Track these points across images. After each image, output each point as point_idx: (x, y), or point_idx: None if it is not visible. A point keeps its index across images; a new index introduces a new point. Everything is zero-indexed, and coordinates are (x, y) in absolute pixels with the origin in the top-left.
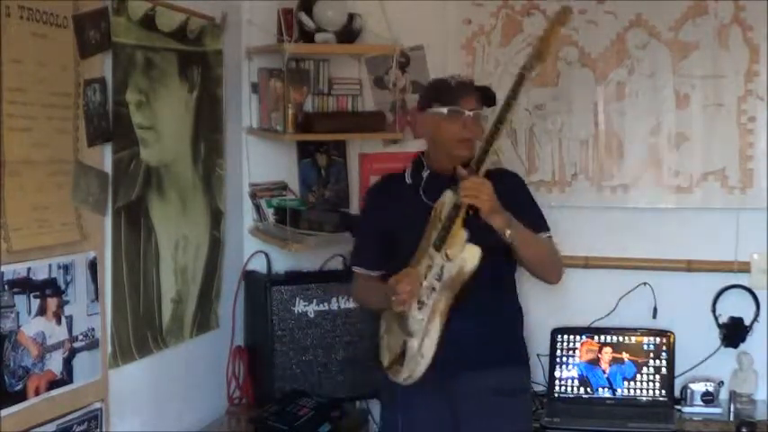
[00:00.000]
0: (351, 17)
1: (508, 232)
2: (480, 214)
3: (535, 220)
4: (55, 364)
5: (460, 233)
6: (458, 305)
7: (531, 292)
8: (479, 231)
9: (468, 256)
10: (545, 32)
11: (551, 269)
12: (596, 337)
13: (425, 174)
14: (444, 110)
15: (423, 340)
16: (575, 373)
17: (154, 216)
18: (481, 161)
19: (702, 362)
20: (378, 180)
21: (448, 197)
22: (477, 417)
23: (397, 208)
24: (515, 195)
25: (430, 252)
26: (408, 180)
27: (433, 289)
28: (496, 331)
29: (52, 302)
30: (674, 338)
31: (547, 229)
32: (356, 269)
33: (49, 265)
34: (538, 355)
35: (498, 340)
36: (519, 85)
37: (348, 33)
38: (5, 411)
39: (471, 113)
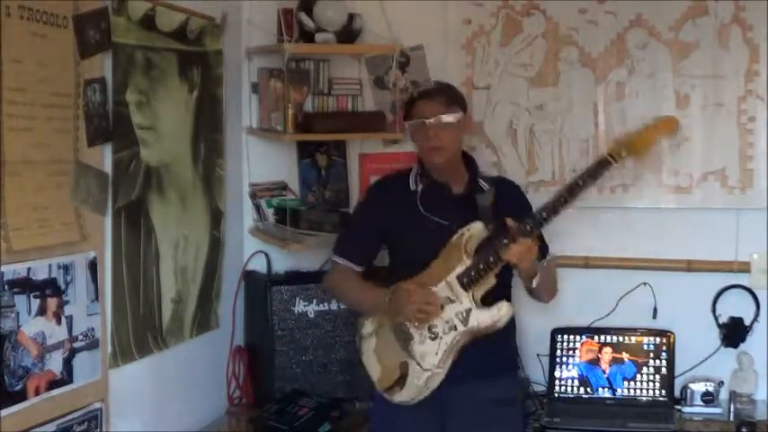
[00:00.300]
0: (351, 17)
1: (535, 282)
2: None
3: (540, 243)
4: (55, 364)
5: (491, 280)
6: None
7: None
8: (502, 272)
9: (504, 316)
10: (647, 132)
11: (551, 296)
12: (596, 337)
13: (419, 187)
14: (407, 124)
15: (433, 375)
16: (575, 373)
17: (154, 216)
18: (538, 227)
19: (702, 362)
20: (383, 177)
21: (476, 229)
22: (466, 427)
23: (398, 211)
24: (519, 205)
25: (452, 283)
26: (412, 186)
27: (454, 328)
28: (493, 342)
29: (52, 302)
30: (674, 338)
31: (547, 248)
32: (339, 260)
33: (49, 265)
34: (538, 355)
35: (494, 351)
36: (601, 168)
37: (348, 33)
38: (5, 411)
39: (432, 120)
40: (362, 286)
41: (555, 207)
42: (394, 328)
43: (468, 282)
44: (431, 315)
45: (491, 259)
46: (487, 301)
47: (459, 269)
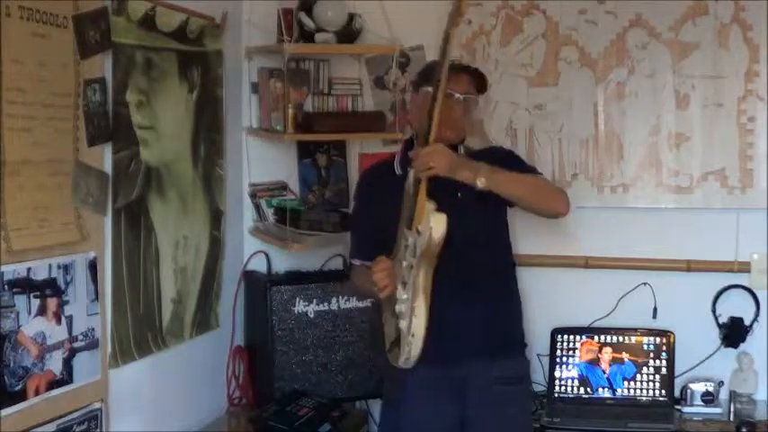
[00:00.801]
0: (351, 17)
1: (480, 181)
2: (442, 177)
3: (524, 170)
4: (55, 364)
5: (427, 206)
6: (459, 291)
7: (531, 292)
8: (449, 197)
9: (435, 224)
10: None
11: (551, 198)
12: (596, 337)
13: (411, 168)
14: (430, 88)
15: (410, 320)
16: (575, 373)
17: (154, 216)
18: (428, 133)
19: (702, 362)
20: (367, 170)
21: (411, 175)
22: (483, 407)
23: (387, 200)
24: (508, 160)
25: (404, 232)
26: (398, 170)
27: (411, 266)
28: (500, 316)
29: (52, 302)
30: (674, 338)
31: (538, 173)
32: (357, 262)
33: (49, 265)
34: (538, 354)
35: (502, 325)
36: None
37: (348, 33)
38: (5, 411)
39: (460, 96)
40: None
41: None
42: (388, 304)
43: (409, 222)
44: (379, 275)
45: (410, 180)
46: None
47: (406, 213)
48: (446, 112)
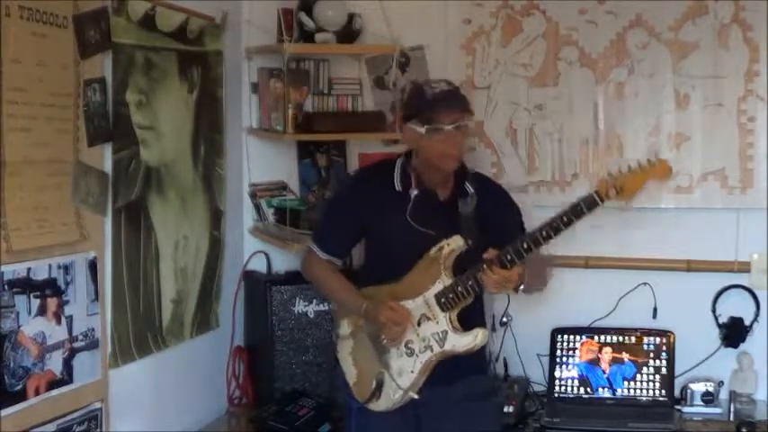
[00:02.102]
0: (351, 17)
1: (521, 288)
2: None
3: (516, 226)
4: (55, 364)
5: (469, 300)
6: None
7: None
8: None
9: (480, 342)
10: (638, 176)
11: (536, 291)
12: (596, 337)
13: (413, 194)
14: (422, 129)
15: (408, 391)
16: (575, 373)
17: (154, 216)
18: (519, 258)
19: (702, 362)
20: (366, 170)
21: (456, 244)
22: (443, 423)
23: (380, 210)
24: (501, 206)
25: (429, 301)
26: (398, 187)
27: (430, 347)
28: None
29: (52, 302)
30: (674, 338)
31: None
32: (316, 249)
33: (49, 265)
34: (538, 354)
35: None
36: (586, 207)
37: (348, 33)
38: (5, 411)
39: (452, 127)
40: (341, 283)
41: (537, 240)
42: (370, 335)
43: (446, 303)
44: (398, 330)
45: (469, 283)
46: (463, 315)
47: (438, 287)
48: (443, 147)
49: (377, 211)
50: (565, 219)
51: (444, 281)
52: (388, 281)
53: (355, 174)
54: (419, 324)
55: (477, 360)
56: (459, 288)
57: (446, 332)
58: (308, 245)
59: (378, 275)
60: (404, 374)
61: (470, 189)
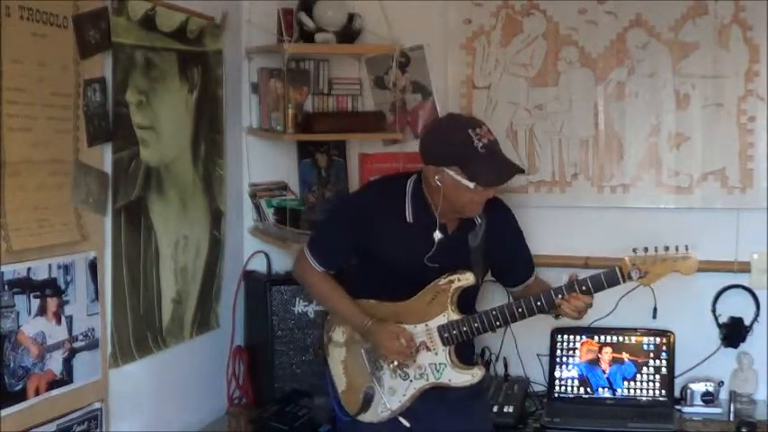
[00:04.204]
0: (351, 17)
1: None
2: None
3: (527, 265)
4: (55, 364)
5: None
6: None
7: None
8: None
9: (476, 379)
10: (666, 266)
11: None
12: (596, 337)
13: (437, 238)
14: (470, 184)
15: (396, 413)
16: (575, 373)
17: (154, 216)
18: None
19: (702, 362)
20: (374, 190)
21: (467, 281)
22: (434, 420)
23: (387, 239)
24: (509, 236)
25: (432, 332)
26: (409, 218)
27: (424, 376)
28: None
29: (52, 302)
30: (674, 338)
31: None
32: (311, 258)
33: (49, 265)
34: (538, 354)
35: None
36: (607, 281)
37: (348, 33)
38: (5, 411)
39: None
40: (340, 296)
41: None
42: (366, 350)
43: (449, 338)
44: (401, 357)
45: (476, 326)
46: (456, 346)
47: (443, 320)
48: (480, 199)
49: (382, 237)
50: (584, 287)
51: (450, 315)
52: (386, 299)
53: (362, 191)
54: (418, 351)
55: (470, 356)
56: (465, 328)
57: (444, 365)
58: (302, 247)
59: (373, 291)
60: (395, 396)
61: (478, 219)
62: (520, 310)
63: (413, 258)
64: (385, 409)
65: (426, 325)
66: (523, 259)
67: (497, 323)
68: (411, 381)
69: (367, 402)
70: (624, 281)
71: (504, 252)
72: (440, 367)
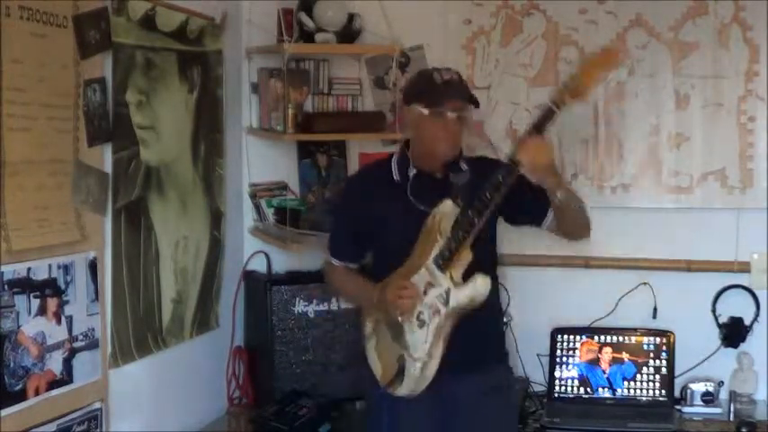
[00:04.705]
0: (351, 17)
1: (559, 193)
2: (532, 173)
3: (537, 195)
4: (55, 364)
5: (466, 254)
6: None
7: (531, 292)
8: (479, 247)
9: (481, 288)
10: (586, 72)
11: (586, 226)
12: (596, 337)
13: (411, 173)
14: (426, 111)
15: (426, 363)
16: (575, 373)
17: (154, 216)
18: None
19: (702, 362)
20: (362, 169)
21: (448, 208)
22: (465, 417)
23: (386, 206)
24: (518, 183)
25: (430, 268)
26: (396, 177)
27: (438, 311)
28: (489, 327)
29: (52, 302)
30: (674, 338)
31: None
32: (335, 261)
33: (49, 265)
34: (538, 354)
35: (486, 336)
36: (546, 119)
37: (348, 33)
38: (5, 411)
39: (455, 115)
40: (356, 282)
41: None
42: (388, 323)
43: (443, 262)
44: (407, 302)
45: (459, 233)
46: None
47: (435, 251)
48: (442, 132)
49: (378, 203)
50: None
51: (440, 244)
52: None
53: (352, 175)
54: (425, 293)
55: (496, 346)
56: (452, 242)
57: (448, 290)
58: (324, 257)
59: (390, 265)
60: (418, 346)
61: (464, 166)
62: (491, 181)
63: (405, 208)
64: (413, 363)
65: (425, 265)
66: (530, 192)
67: (476, 217)
68: (428, 324)
69: (401, 371)
70: (558, 107)
71: (519, 193)
72: (446, 294)
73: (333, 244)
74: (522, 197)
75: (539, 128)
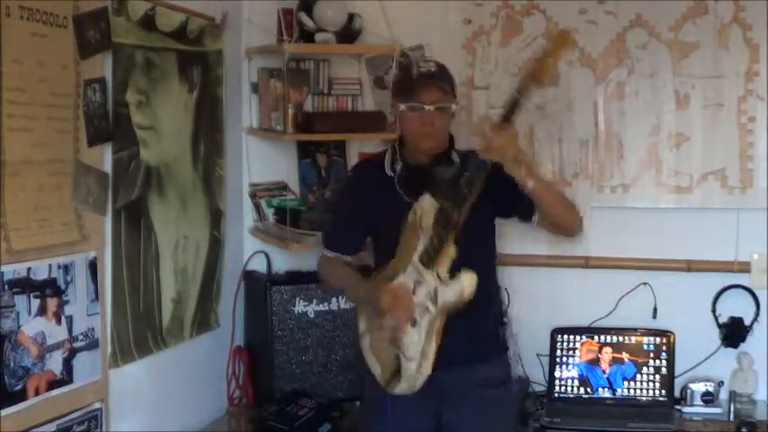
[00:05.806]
0: (351, 17)
1: (530, 183)
2: (504, 165)
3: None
4: (55, 364)
5: (450, 251)
6: None
7: (531, 292)
8: (470, 243)
9: (467, 285)
10: (544, 61)
11: (575, 216)
12: (596, 337)
13: (398, 167)
14: (403, 106)
15: (421, 362)
16: (575, 373)
17: (154, 216)
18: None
19: (702, 362)
20: (359, 163)
21: (427, 203)
22: (463, 411)
23: (377, 199)
24: (503, 178)
25: (417, 266)
26: (389, 171)
27: (427, 309)
28: (482, 322)
29: (52, 302)
30: (674, 338)
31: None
32: (330, 253)
33: (49, 265)
34: (538, 354)
35: (484, 332)
36: (514, 108)
37: (348, 33)
38: (5, 411)
39: (432, 107)
40: (347, 273)
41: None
42: (382, 326)
43: (427, 260)
44: (401, 315)
45: (440, 229)
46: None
47: (420, 248)
48: (419, 125)
49: (374, 197)
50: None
51: (423, 240)
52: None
53: (351, 169)
54: (414, 293)
55: (492, 340)
56: (434, 239)
57: (436, 288)
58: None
59: (386, 259)
60: (411, 346)
61: (456, 159)
62: (466, 176)
63: (396, 202)
64: (407, 363)
65: (412, 263)
66: (514, 187)
67: (456, 212)
68: (420, 323)
69: (398, 370)
70: (521, 94)
71: (505, 187)
72: (434, 293)
73: (329, 235)
74: (506, 192)
75: (507, 117)
